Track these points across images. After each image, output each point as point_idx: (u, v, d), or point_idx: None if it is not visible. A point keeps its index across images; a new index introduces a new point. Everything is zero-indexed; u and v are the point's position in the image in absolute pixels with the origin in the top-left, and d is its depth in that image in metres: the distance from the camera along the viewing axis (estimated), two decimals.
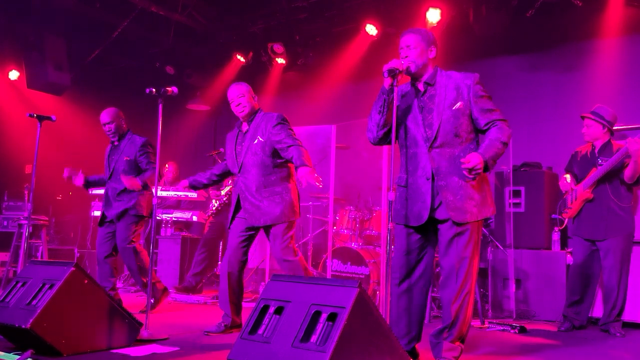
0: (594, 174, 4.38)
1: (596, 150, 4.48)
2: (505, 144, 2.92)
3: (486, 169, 2.84)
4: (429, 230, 3.00)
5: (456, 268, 2.89)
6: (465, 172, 2.80)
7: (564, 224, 4.61)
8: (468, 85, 2.95)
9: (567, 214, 4.55)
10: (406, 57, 2.98)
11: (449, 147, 2.92)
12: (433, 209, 2.92)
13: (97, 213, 6.89)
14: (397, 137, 3.05)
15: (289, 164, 4.02)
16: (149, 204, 4.86)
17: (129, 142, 4.88)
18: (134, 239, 4.81)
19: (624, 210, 4.34)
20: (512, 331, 4.32)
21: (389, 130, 3.01)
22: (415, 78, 3.03)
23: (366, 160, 6.49)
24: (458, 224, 2.88)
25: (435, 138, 2.92)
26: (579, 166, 4.56)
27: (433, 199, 2.92)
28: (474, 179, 2.85)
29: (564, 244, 5.22)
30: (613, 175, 4.33)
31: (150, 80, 8.37)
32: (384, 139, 3.07)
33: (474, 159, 2.77)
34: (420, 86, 3.02)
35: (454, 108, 2.93)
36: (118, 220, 4.79)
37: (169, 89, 3.93)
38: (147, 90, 3.95)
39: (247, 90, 4.04)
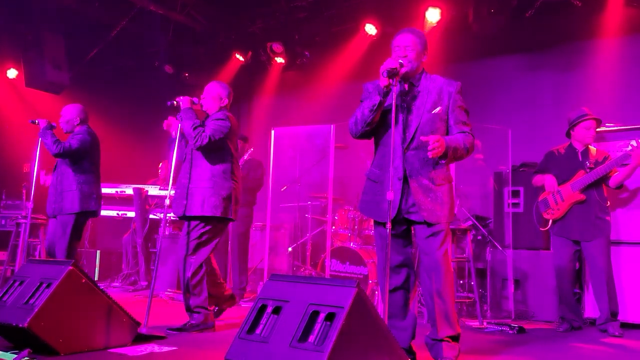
0: (586, 177, 4.42)
1: (579, 152, 4.53)
2: (467, 150, 2.97)
3: (444, 156, 2.87)
4: (406, 229, 3.03)
5: (432, 269, 2.93)
6: (429, 147, 2.80)
7: (549, 225, 4.62)
8: (450, 92, 2.99)
9: (554, 215, 4.56)
10: (405, 56, 2.98)
11: (424, 150, 2.91)
12: (406, 211, 2.94)
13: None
14: (376, 134, 3.07)
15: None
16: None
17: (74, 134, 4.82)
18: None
19: (605, 212, 4.45)
20: (510, 331, 4.31)
21: (372, 130, 3.03)
22: (404, 78, 3.03)
23: (365, 160, 6.49)
24: (430, 224, 2.92)
25: (412, 139, 2.94)
26: (559, 167, 4.59)
27: (402, 199, 2.93)
28: (434, 159, 2.87)
29: None
30: (600, 179, 4.41)
31: (149, 79, 8.38)
32: (366, 135, 3.09)
33: (441, 140, 2.81)
34: (406, 86, 3.04)
35: (432, 112, 2.97)
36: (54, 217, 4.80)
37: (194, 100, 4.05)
38: (169, 103, 4.07)
39: (218, 89, 4.20)
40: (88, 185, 4.74)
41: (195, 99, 4.06)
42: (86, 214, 4.75)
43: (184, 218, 3.99)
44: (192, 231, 3.92)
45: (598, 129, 4.65)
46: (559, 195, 4.53)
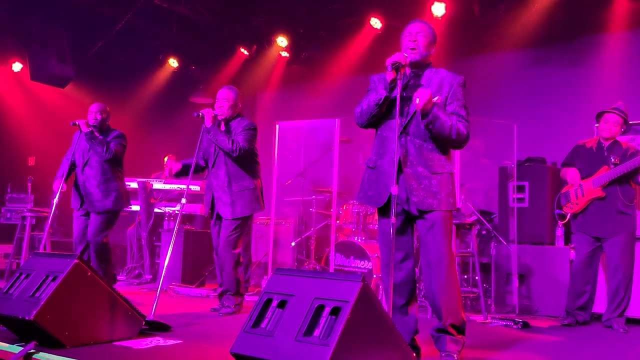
0: (609, 173, 4.33)
1: (605, 147, 4.45)
2: (457, 135, 2.90)
3: (424, 115, 2.85)
4: (405, 221, 3.03)
5: (434, 263, 2.92)
6: (415, 99, 2.83)
7: (567, 219, 4.58)
8: (451, 84, 2.99)
9: (572, 209, 4.52)
10: (415, 41, 3.00)
11: (420, 137, 2.95)
12: (401, 200, 2.95)
13: None
14: (379, 124, 3.09)
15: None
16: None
17: (112, 137, 5.13)
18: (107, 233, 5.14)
19: (629, 208, 4.37)
20: (514, 326, 4.32)
21: (378, 119, 3.05)
22: (413, 67, 3.04)
23: (369, 154, 6.47)
24: (423, 212, 2.91)
25: (408, 125, 2.96)
26: (583, 161, 4.52)
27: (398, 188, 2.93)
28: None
29: (567, 240, 5.19)
30: (625, 175, 4.31)
31: (154, 72, 8.38)
32: (371, 125, 3.12)
33: (428, 94, 2.81)
34: (408, 75, 3.04)
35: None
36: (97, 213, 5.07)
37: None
38: (195, 114, 4.42)
39: (233, 96, 4.48)
40: (123, 183, 5.21)
41: (216, 111, 4.43)
42: (118, 212, 5.19)
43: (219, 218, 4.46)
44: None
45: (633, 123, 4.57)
46: (580, 190, 4.46)
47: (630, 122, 4.95)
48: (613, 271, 4.35)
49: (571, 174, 4.52)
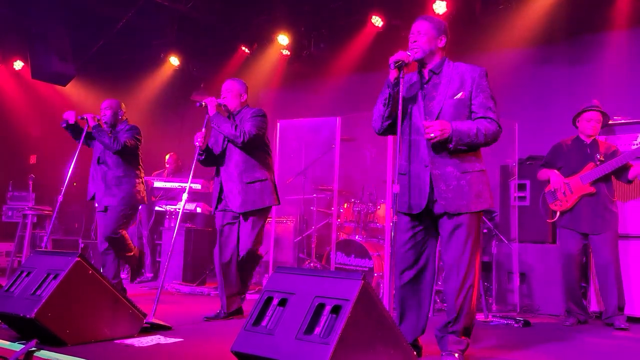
0: (598, 169, 4.37)
1: (587, 145, 4.49)
2: (485, 138, 2.85)
3: (448, 141, 2.80)
4: (429, 222, 2.99)
5: (457, 263, 2.87)
6: (422, 131, 2.81)
7: (556, 216, 4.58)
8: (473, 77, 2.93)
9: (561, 207, 4.52)
10: (415, 41, 2.97)
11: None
12: (431, 201, 2.90)
13: None
14: (401, 126, 3.03)
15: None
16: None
17: (123, 130, 4.99)
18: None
19: (613, 205, 4.42)
20: (516, 325, 4.31)
21: (394, 121, 3.00)
22: (422, 65, 3.01)
23: (371, 153, 6.47)
24: (452, 215, 2.86)
25: None
26: (567, 159, 4.55)
27: (431, 187, 2.89)
28: (429, 140, 2.83)
29: None
30: (610, 172, 4.37)
31: (155, 71, 8.39)
32: (389, 130, 3.07)
33: (437, 124, 2.77)
34: (426, 74, 3.01)
35: (455, 98, 2.91)
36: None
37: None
38: (197, 104, 4.22)
39: (238, 86, 4.31)
40: (139, 180, 5.05)
41: (220, 100, 4.25)
42: (125, 209, 4.98)
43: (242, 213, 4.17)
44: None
45: (611, 122, 4.61)
46: (567, 187, 4.48)
47: (635, 121, 4.96)
48: (605, 269, 4.37)
49: (554, 177, 4.54)
